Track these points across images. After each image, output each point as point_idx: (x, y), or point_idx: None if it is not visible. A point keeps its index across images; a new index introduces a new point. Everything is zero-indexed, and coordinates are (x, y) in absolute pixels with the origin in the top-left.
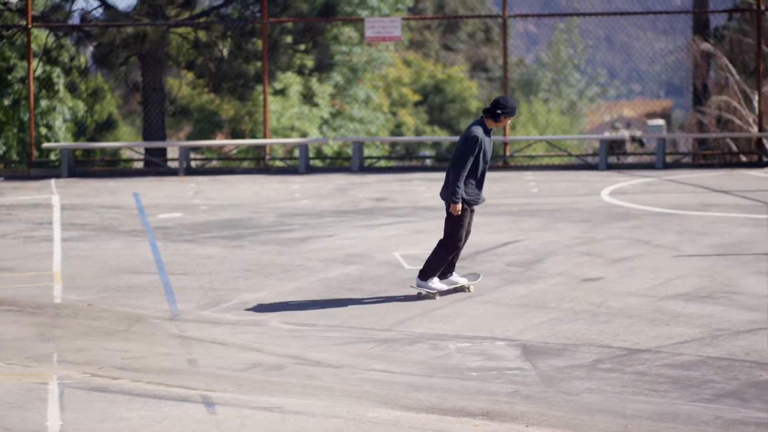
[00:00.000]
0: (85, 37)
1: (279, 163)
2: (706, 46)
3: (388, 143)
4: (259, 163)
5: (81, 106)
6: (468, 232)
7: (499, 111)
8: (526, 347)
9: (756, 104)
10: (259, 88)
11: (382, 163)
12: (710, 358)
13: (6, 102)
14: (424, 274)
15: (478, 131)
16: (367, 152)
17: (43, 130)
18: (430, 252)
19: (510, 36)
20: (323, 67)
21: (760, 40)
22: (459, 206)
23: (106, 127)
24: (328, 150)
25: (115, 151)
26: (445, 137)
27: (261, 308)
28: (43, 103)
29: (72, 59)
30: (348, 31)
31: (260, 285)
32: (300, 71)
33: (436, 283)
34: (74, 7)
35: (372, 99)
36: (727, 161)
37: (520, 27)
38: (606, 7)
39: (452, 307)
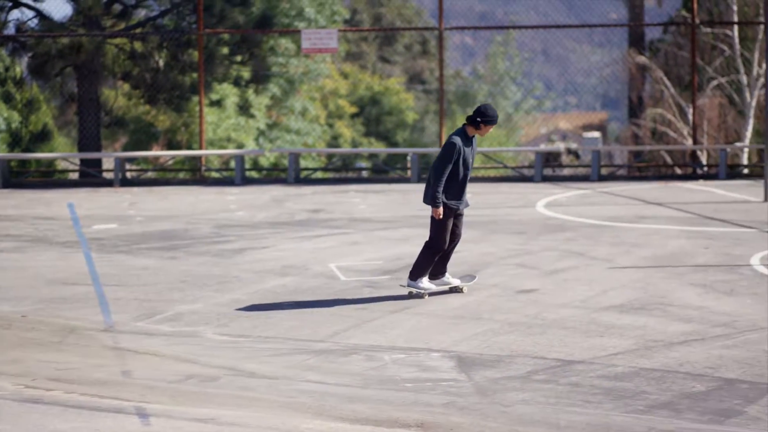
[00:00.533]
0: (20, 48)
1: (215, 175)
2: (642, 59)
3: (324, 155)
4: (195, 175)
5: (16, 117)
6: (458, 236)
7: (479, 119)
8: (461, 358)
9: (690, 117)
10: (196, 99)
11: (319, 175)
12: (644, 370)
13: None
14: (413, 275)
15: (457, 139)
16: (303, 164)
17: None
18: (366, 263)
19: (446, 48)
20: (260, 79)
21: (694, 53)
22: (440, 210)
23: (42, 137)
24: (264, 161)
25: (50, 162)
26: (381, 149)
27: (196, 319)
28: None
29: (7, 69)
30: (285, 43)
31: (195, 296)
32: (236, 82)
33: (425, 283)
34: (9, 18)
35: (309, 110)
36: (662, 173)
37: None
38: (542, 20)
39: (387, 319)
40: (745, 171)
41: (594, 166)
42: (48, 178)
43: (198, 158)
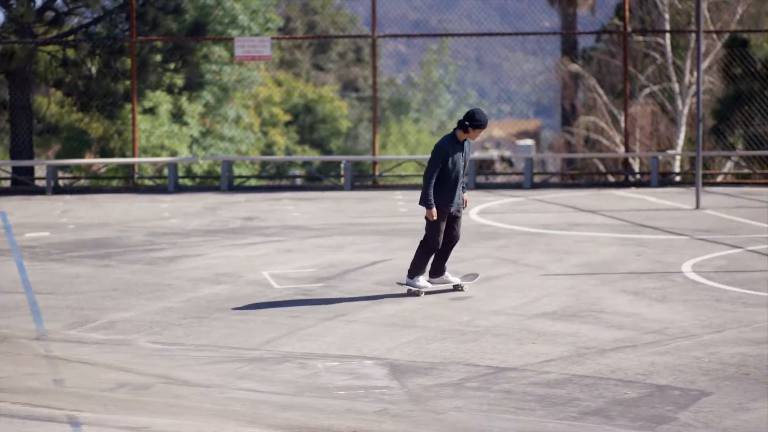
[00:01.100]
0: None
1: (148, 182)
2: (575, 67)
3: (258, 162)
4: (128, 182)
5: None
6: (455, 236)
7: (466, 123)
8: (394, 366)
9: (623, 125)
10: (129, 106)
11: (252, 182)
12: (576, 376)
13: None
14: (411, 273)
15: (444, 142)
16: (237, 171)
17: None
18: (299, 271)
19: (380, 56)
20: (193, 86)
21: (626, 61)
22: (433, 211)
23: None
24: (197, 169)
25: None
26: (315, 156)
27: (129, 328)
28: None
29: None
30: (218, 50)
31: (128, 304)
32: (170, 90)
33: (421, 281)
34: None
35: (242, 118)
36: (594, 181)
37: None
38: (476, 27)
39: (321, 326)
40: (677, 178)
41: (527, 173)
42: None
43: (131, 166)
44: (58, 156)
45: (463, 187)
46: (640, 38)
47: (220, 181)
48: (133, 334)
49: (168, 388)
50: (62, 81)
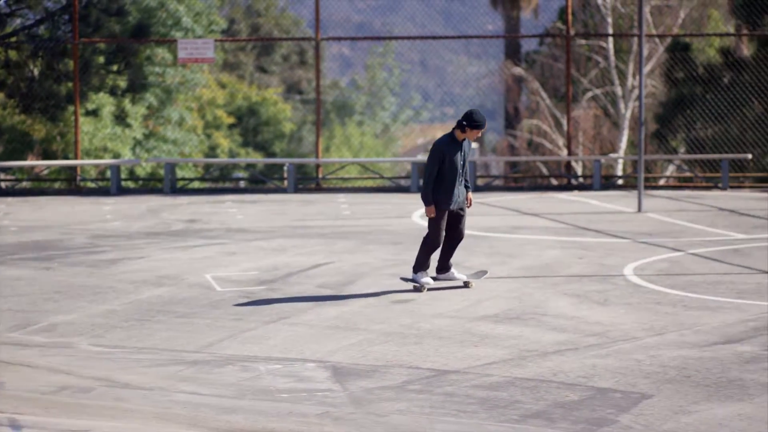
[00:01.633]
0: None
1: (90, 185)
2: (518, 70)
3: (201, 165)
4: (71, 185)
5: None
6: (459, 234)
7: (464, 122)
8: (337, 369)
9: (566, 128)
10: (71, 108)
11: (195, 185)
12: (518, 379)
13: None
14: (415, 269)
15: (441, 142)
16: (180, 174)
17: None
18: (242, 273)
19: (324, 59)
20: (136, 88)
21: (569, 65)
22: (431, 208)
23: None
24: (140, 171)
25: None
26: (258, 159)
27: (70, 330)
28: None
29: None
30: (161, 52)
31: (70, 307)
32: (113, 92)
33: (424, 277)
34: None
35: (186, 120)
36: (538, 184)
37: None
38: (420, 31)
39: (263, 329)
40: (620, 182)
41: (470, 177)
42: None
43: (74, 168)
44: None
45: (467, 186)
46: (583, 42)
47: (163, 183)
48: (74, 336)
49: (109, 391)
50: (4, 83)
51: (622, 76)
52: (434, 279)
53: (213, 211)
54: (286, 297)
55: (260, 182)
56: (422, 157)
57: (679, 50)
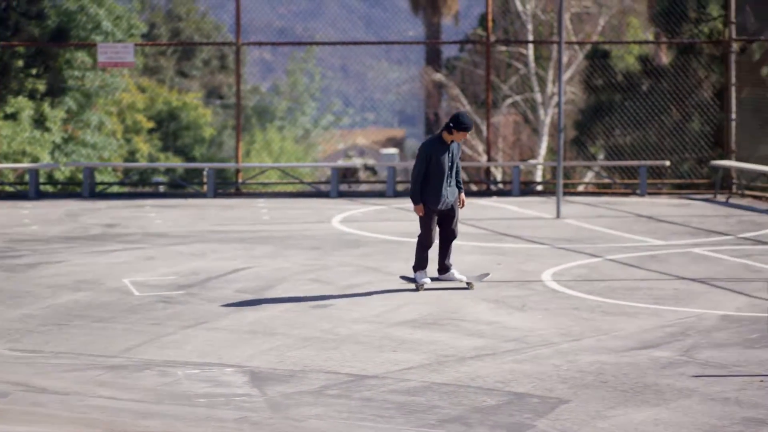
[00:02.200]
0: None
1: (8, 189)
2: (438, 76)
3: (121, 169)
4: None
5: None
6: (452, 233)
7: (451, 125)
8: (255, 373)
9: (485, 134)
10: None
11: (115, 189)
12: (436, 384)
13: None
14: (414, 268)
15: (427, 143)
16: (99, 178)
17: None
18: (161, 278)
19: (245, 63)
20: (55, 92)
21: (489, 71)
22: (420, 207)
23: None
24: (59, 175)
25: None
26: (178, 164)
27: None
28: None
29: None
30: (81, 56)
31: None
32: (32, 95)
33: (423, 278)
34: None
35: (105, 125)
36: None
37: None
38: (341, 36)
39: (181, 334)
40: (539, 188)
41: (390, 182)
42: None
43: None
44: None
45: (459, 187)
46: (504, 48)
47: (82, 188)
48: None
49: (26, 396)
50: None
51: (542, 82)
52: (435, 280)
53: (132, 215)
54: (205, 302)
55: (180, 187)
56: (342, 162)
57: (598, 57)
